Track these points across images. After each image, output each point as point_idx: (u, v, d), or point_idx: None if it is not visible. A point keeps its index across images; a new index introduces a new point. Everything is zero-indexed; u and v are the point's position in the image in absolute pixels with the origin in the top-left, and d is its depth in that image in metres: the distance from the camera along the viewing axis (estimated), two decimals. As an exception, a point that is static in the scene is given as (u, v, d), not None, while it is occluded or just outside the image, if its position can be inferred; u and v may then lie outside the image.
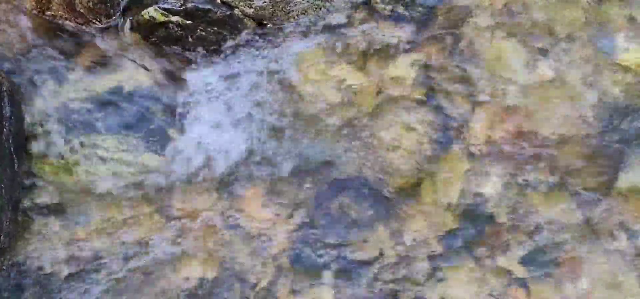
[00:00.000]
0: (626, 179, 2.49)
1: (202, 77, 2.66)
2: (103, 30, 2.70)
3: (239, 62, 2.68)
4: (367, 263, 2.48)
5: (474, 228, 2.50)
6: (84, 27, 2.67)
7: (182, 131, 2.61)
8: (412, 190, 2.55)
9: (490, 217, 2.50)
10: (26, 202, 2.52)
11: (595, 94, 2.58)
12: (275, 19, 2.69)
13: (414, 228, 2.51)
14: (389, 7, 2.72)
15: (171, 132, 2.60)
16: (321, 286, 2.45)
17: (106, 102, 2.62)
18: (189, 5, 2.61)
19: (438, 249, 2.48)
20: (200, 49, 2.68)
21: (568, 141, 2.54)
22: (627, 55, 2.62)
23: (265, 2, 2.66)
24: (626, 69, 2.61)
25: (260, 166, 2.59)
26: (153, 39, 2.66)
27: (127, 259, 2.48)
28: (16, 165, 2.47)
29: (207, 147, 2.60)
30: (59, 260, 2.48)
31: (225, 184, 2.56)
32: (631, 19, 2.66)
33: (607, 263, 2.43)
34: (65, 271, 2.47)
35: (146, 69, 2.66)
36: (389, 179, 2.55)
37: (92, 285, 2.45)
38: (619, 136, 2.54)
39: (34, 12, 2.66)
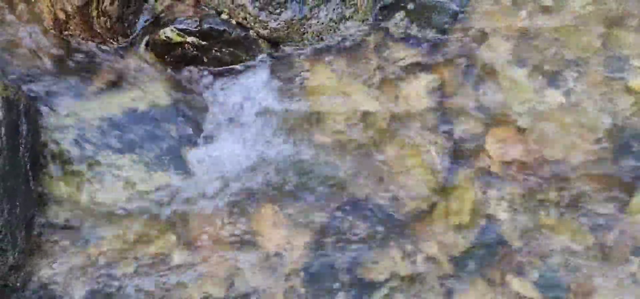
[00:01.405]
0: None
1: (216, 97, 2.67)
2: (120, 49, 2.69)
3: (253, 83, 2.69)
4: (379, 284, 2.48)
5: (486, 250, 2.50)
6: (101, 46, 2.68)
7: (196, 150, 2.62)
8: (424, 211, 2.55)
9: (503, 240, 2.50)
10: (40, 220, 2.52)
11: (608, 118, 2.58)
12: (290, 40, 2.70)
13: (426, 249, 2.52)
14: (403, 29, 2.73)
15: (185, 151, 2.61)
16: None
17: (121, 121, 2.62)
18: (205, 26, 2.62)
19: (450, 271, 2.48)
20: (215, 69, 2.68)
21: (581, 165, 2.55)
22: None
23: (280, 23, 2.65)
24: (639, 94, 2.62)
25: (274, 185, 2.59)
26: (169, 59, 2.67)
27: (139, 278, 2.49)
28: (31, 182, 2.48)
29: (221, 167, 2.60)
30: (72, 278, 2.49)
31: (238, 204, 2.56)
32: None
33: (620, 289, 2.43)
34: (79, 289, 2.47)
35: (161, 88, 2.67)
36: (401, 200, 2.55)
37: None
38: (632, 160, 2.54)
39: (52, 31, 2.65)
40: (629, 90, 2.62)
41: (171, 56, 2.65)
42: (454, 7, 2.74)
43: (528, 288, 2.44)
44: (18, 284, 2.44)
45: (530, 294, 2.44)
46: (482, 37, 2.71)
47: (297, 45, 2.71)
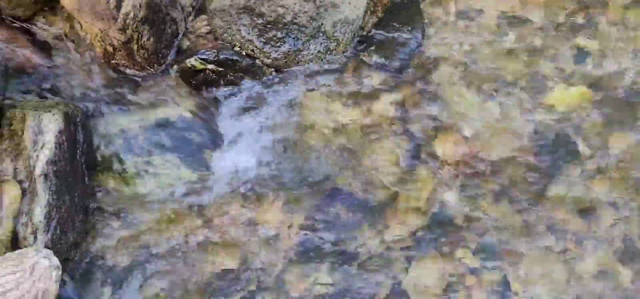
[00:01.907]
0: (554, 191, 2.70)
1: (230, 111, 2.79)
2: (155, 74, 2.79)
3: (259, 100, 2.80)
4: (356, 255, 2.66)
5: (438, 228, 2.68)
6: (140, 72, 2.78)
7: (214, 152, 2.75)
8: (391, 199, 2.71)
9: (451, 220, 2.69)
10: (93, 208, 2.69)
11: (531, 125, 2.76)
12: (288, 67, 2.80)
13: (392, 228, 2.69)
14: (374, 58, 2.84)
15: (206, 153, 2.75)
16: (321, 272, 2.65)
17: (156, 130, 2.74)
18: (221, 56, 2.74)
19: (411, 244, 2.66)
20: (229, 89, 2.79)
21: (510, 161, 2.73)
22: (555, 96, 2.79)
23: (279, 54, 2.76)
24: (554, 107, 2.78)
25: (274, 180, 2.73)
26: (193, 82, 2.78)
27: (170, 251, 2.67)
28: (86, 179, 2.68)
29: (234, 165, 2.74)
30: (118, 252, 2.67)
31: (247, 194, 2.72)
32: (558, 69, 2.82)
33: (540, 256, 2.64)
34: (124, 260, 2.67)
35: (188, 104, 2.79)
36: (373, 190, 2.72)
37: (145, 271, 2.66)
38: (548, 157, 2.73)
39: (102, 61, 2.76)
40: (547, 104, 2.79)
41: (195, 80, 2.78)
42: (413, 41, 2.86)
43: (470, 257, 2.65)
44: (77, 258, 2.63)
45: (472, 261, 2.64)
46: (435, 64, 2.84)
47: (293, 71, 2.82)
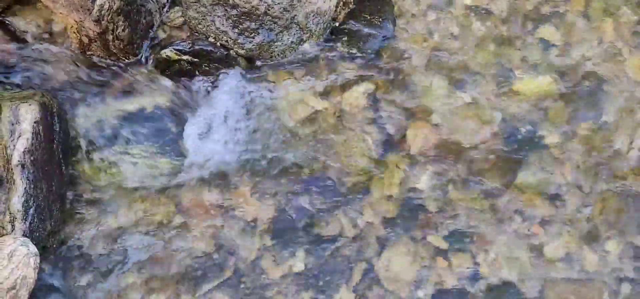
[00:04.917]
0: (522, 177, 2.73)
1: (205, 100, 2.82)
2: (131, 65, 2.82)
3: (234, 90, 2.83)
4: (330, 241, 2.70)
5: (410, 214, 2.71)
6: (116, 62, 2.81)
7: (190, 141, 2.79)
8: (363, 186, 2.75)
9: (422, 206, 2.71)
10: (71, 196, 2.72)
11: (499, 114, 2.80)
12: (261, 57, 2.84)
13: (365, 214, 2.72)
14: (346, 49, 2.89)
15: (182, 142, 2.79)
16: (296, 257, 2.68)
17: (132, 119, 2.78)
18: (196, 47, 2.78)
19: (383, 230, 2.69)
20: (204, 79, 2.83)
21: (479, 149, 2.77)
22: (522, 84, 2.84)
23: (253, 45, 2.80)
24: (521, 95, 2.83)
25: (249, 166, 2.77)
26: (168, 73, 2.82)
27: (148, 238, 2.71)
28: (63, 168, 2.69)
29: (209, 153, 2.78)
30: (96, 240, 2.70)
31: (222, 181, 2.76)
32: (523, 59, 2.87)
33: (508, 240, 2.68)
34: (101, 248, 2.69)
35: (163, 94, 2.82)
36: (346, 177, 2.76)
37: (122, 258, 2.69)
38: (516, 145, 2.77)
39: (78, 51, 2.79)
40: (514, 92, 2.83)
41: (170, 70, 2.82)
42: (384, 33, 2.90)
43: (441, 242, 2.68)
44: (54, 246, 2.64)
45: (442, 246, 2.67)
46: (405, 55, 2.88)
47: (267, 61, 2.86)
